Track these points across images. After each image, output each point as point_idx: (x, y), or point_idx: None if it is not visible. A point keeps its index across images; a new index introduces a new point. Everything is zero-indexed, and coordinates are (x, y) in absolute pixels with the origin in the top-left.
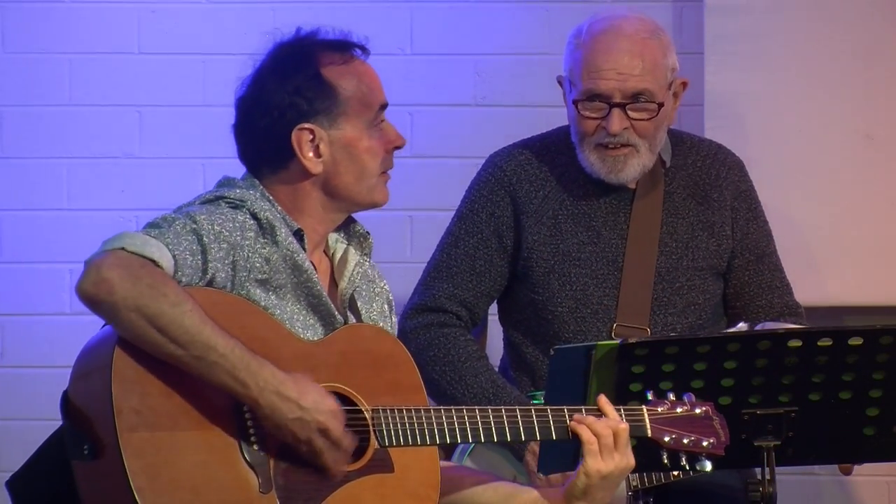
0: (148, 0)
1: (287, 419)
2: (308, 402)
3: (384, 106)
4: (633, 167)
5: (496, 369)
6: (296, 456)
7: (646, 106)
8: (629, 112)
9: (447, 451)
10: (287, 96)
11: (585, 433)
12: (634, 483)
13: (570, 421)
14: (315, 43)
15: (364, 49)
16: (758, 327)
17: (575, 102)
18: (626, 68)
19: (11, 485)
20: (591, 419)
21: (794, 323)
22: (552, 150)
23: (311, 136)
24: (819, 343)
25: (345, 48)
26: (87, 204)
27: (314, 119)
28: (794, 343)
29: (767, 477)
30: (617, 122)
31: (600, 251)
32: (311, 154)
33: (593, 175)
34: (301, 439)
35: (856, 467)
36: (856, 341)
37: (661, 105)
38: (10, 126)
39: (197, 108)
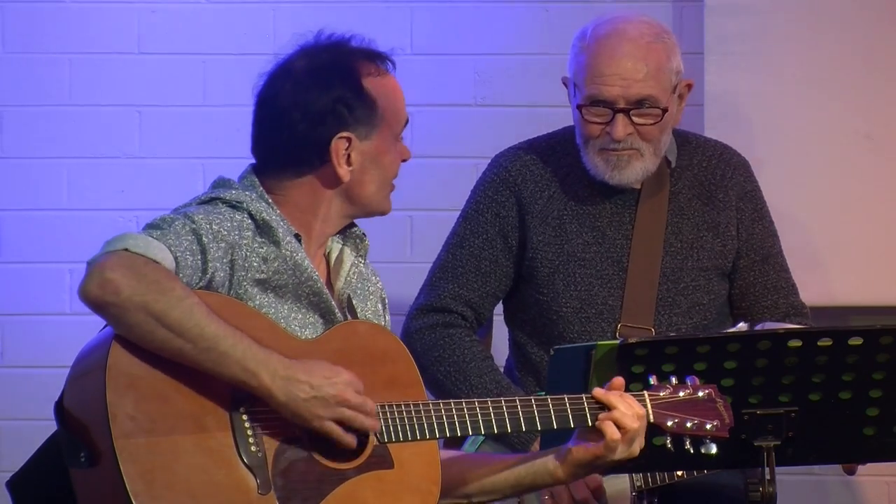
0: (148, 0)
1: (302, 400)
2: (318, 380)
3: (408, 121)
4: (635, 169)
5: (502, 370)
6: (294, 456)
7: (650, 111)
8: (633, 117)
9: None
10: (331, 103)
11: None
12: (639, 483)
13: (569, 408)
14: (354, 51)
15: (393, 62)
16: (758, 327)
17: (579, 107)
18: (629, 73)
19: (12, 485)
20: (617, 415)
21: (800, 324)
22: (557, 150)
23: (347, 145)
24: (819, 343)
25: (381, 59)
26: (87, 204)
27: (353, 128)
28: (794, 343)
29: (767, 477)
30: (621, 128)
31: (605, 251)
32: (343, 162)
33: (596, 177)
34: (324, 417)
35: (858, 467)
36: (856, 341)
37: (665, 110)
38: (10, 126)
39: (197, 108)
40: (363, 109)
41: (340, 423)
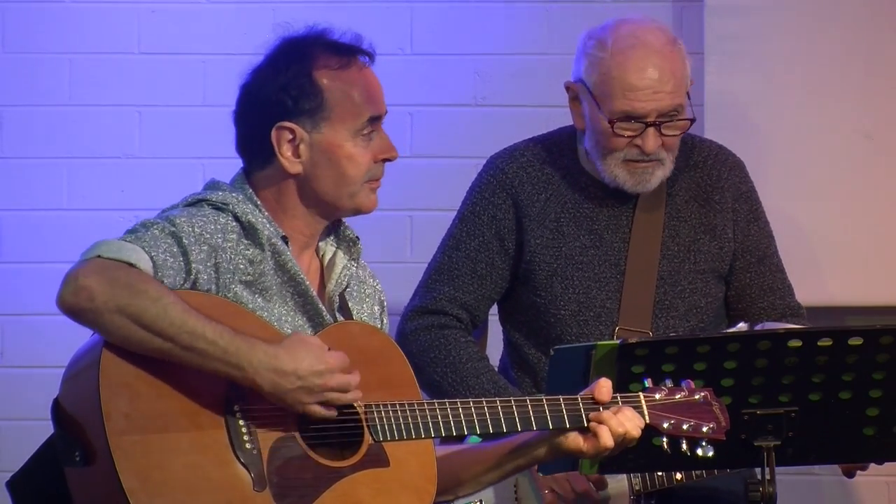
0: (148, 0)
1: (289, 391)
2: (304, 369)
3: (377, 117)
4: (657, 178)
5: (496, 369)
6: (290, 453)
7: (678, 124)
8: (662, 130)
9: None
10: (274, 92)
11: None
12: (637, 486)
13: (564, 409)
14: (318, 43)
15: (370, 55)
16: (757, 327)
17: (610, 122)
18: (659, 86)
19: (11, 485)
20: (608, 416)
21: (797, 324)
22: (555, 151)
23: (292, 136)
24: (819, 343)
25: (348, 52)
26: (87, 204)
27: (297, 119)
28: (794, 343)
29: (767, 477)
30: (652, 141)
31: (603, 254)
32: (290, 154)
33: (612, 185)
34: (308, 403)
35: (857, 471)
36: (856, 341)
37: (692, 121)
38: (10, 126)
39: (197, 108)
40: (308, 100)
41: (326, 404)
